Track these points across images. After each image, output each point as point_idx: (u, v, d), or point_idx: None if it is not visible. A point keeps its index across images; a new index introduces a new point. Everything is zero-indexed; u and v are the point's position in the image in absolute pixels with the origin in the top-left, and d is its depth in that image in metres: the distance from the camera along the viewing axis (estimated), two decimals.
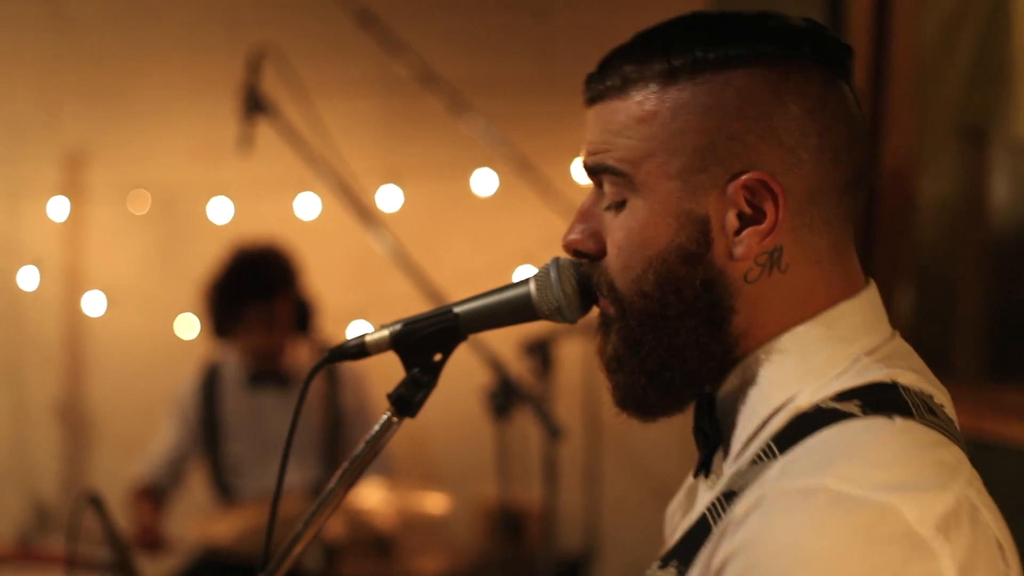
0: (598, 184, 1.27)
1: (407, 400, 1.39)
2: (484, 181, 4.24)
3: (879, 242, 3.72)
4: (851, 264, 1.24)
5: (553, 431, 3.00)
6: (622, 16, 4.15)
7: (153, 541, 3.80)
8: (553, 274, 1.31)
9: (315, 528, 1.45)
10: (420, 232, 4.35)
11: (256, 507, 3.65)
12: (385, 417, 1.40)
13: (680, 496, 1.46)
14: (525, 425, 3.32)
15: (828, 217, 1.21)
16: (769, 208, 1.18)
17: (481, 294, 1.37)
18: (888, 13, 3.67)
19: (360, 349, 1.42)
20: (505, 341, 3.42)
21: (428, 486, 3.90)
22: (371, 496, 3.56)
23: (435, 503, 3.61)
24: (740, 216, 1.19)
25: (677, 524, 1.40)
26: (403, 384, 1.40)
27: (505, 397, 2.95)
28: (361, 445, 1.42)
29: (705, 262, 1.20)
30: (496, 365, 2.99)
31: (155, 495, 3.95)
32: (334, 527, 3.44)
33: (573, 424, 3.69)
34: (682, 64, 1.19)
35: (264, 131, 3.22)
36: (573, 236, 1.28)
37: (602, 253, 1.26)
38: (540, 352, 3.52)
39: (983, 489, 1.14)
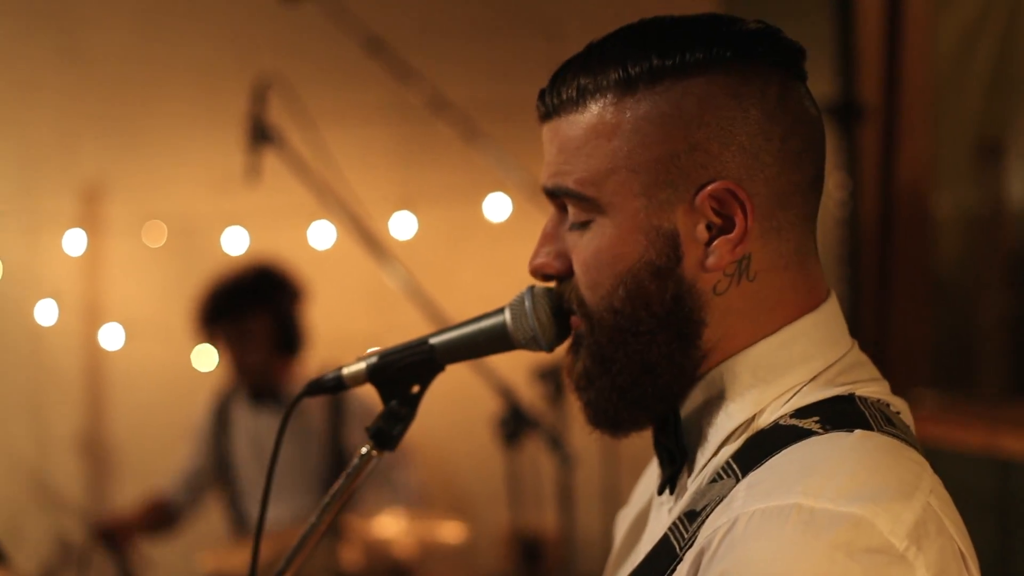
0: (560, 206, 1.26)
1: (386, 433, 1.37)
2: (498, 206, 4.23)
3: (897, 257, 3.67)
4: (815, 268, 1.24)
5: (564, 457, 2.97)
6: None
7: (115, 535, 3.72)
8: (528, 303, 1.29)
9: (299, 563, 1.43)
10: (434, 258, 4.34)
11: (270, 538, 3.62)
12: (364, 451, 1.39)
13: (633, 504, 1.43)
14: (539, 452, 3.28)
15: (794, 220, 1.20)
16: (738, 216, 1.17)
17: (457, 324, 1.35)
18: (901, 23, 3.63)
19: (337, 382, 1.41)
20: (517, 368, 3.39)
21: (445, 515, 3.87)
22: (388, 525, 3.54)
23: (452, 532, 3.58)
24: (709, 227, 1.18)
25: (627, 535, 1.38)
26: (381, 417, 1.38)
27: (515, 424, 2.92)
28: (341, 479, 1.40)
29: (675, 276, 1.18)
30: (505, 392, 2.96)
31: (164, 508, 3.98)
32: (352, 557, 3.41)
33: (590, 449, 3.65)
34: (639, 73, 1.17)
35: (277, 161, 3.22)
36: (539, 260, 1.27)
37: (569, 272, 1.24)
38: (553, 378, 3.49)
39: (945, 495, 1.13)
